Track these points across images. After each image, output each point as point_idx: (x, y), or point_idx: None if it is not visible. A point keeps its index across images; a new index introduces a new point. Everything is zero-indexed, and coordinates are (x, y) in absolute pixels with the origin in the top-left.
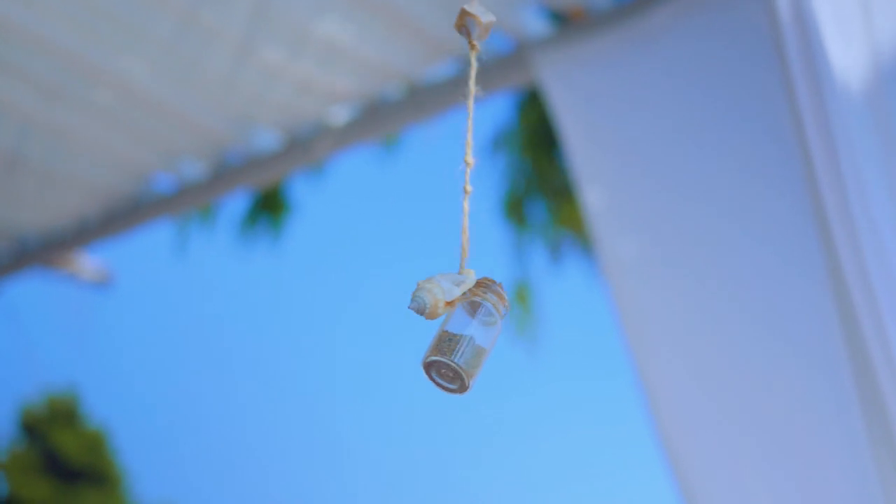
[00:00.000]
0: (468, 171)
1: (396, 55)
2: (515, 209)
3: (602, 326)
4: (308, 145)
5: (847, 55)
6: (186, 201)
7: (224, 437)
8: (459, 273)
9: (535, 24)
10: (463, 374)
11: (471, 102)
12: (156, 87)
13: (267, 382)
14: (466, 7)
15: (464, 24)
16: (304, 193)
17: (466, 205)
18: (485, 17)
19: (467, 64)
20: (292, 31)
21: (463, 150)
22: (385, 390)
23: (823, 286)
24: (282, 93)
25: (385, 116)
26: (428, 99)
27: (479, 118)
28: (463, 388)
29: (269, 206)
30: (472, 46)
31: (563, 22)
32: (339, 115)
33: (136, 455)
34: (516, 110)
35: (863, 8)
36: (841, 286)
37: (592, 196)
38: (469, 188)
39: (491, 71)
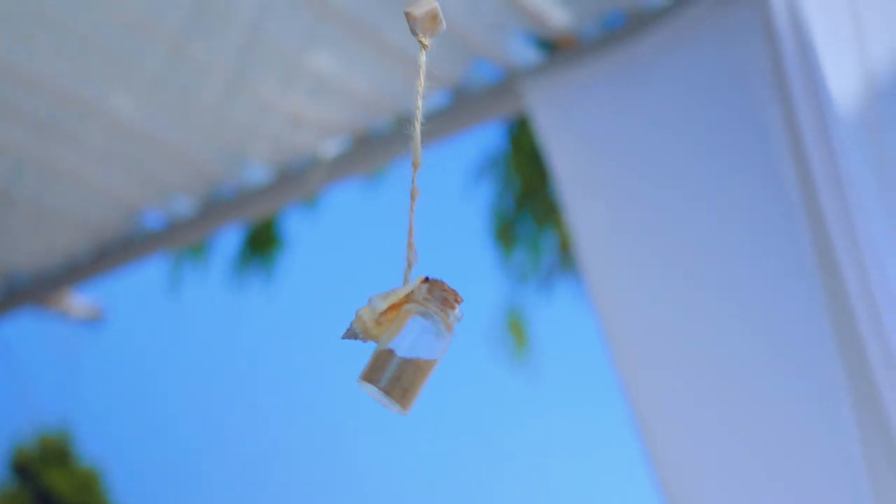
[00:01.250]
0: (415, 173)
1: (387, 87)
2: (506, 233)
3: (595, 348)
4: (300, 179)
5: (842, 73)
6: (178, 237)
7: (218, 474)
8: (404, 285)
9: (524, 53)
10: (391, 398)
11: (419, 102)
12: (146, 122)
13: (261, 419)
14: (406, 9)
15: (411, 27)
16: (296, 228)
17: (412, 212)
18: (419, 8)
19: (458, 95)
20: (283, 64)
21: (448, 181)
22: (378, 422)
23: (817, 297)
24: (273, 126)
25: (376, 149)
26: (420, 131)
27: (470, 142)
28: (402, 410)
29: (262, 242)
30: (422, 44)
31: (553, 50)
32: (331, 148)
33: (128, 494)
34: (506, 134)
35: (856, 29)
36: (837, 296)
37: (580, 222)
38: (417, 191)
39: (481, 100)
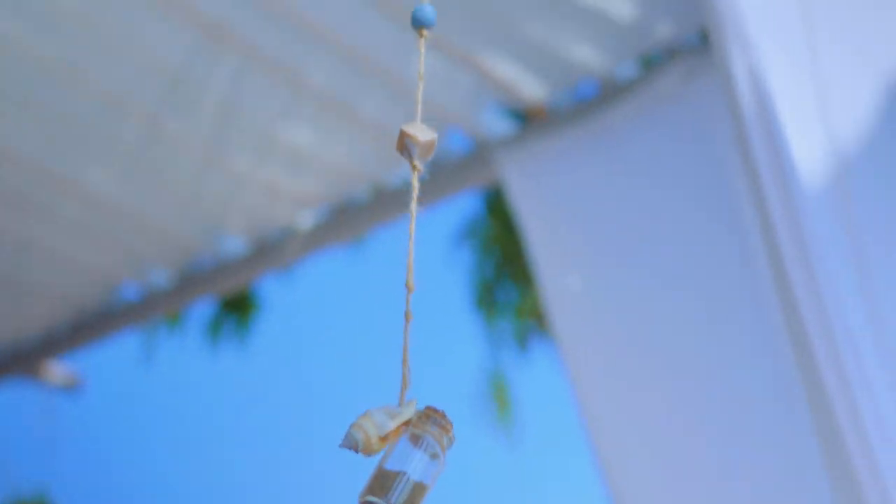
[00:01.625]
0: (409, 296)
1: (362, 158)
2: (486, 298)
3: (573, 415)
4: (276, 250)
5: (808, 146)
6: (154, 309)
7: None
8: (400, 404)
9: (497, 124)
10: None
11: (412, 226)
12: (122, 195)
13: (238, 484)
14: (405, 127)
15: (404, 145)
16: (272, 292)
17: (407, 332)
18: (424, 136)
19: (432, 166)
20: (258, 138)
21: (428, 248)
22: (354, 487)
23: (787, 369)
24: (249, 198)
25: (353, 219)
26: (395, 200)
27: (449, 209)
28: None
29: (237, 306)
30: (414, 167)
31: (525, 121)
32: (307, 219)
33: None
34: (485, 201)
35: (822, 100)
36: (807, 368)
37: (553, 290)
38: (410, 315)
39: (454, 171)
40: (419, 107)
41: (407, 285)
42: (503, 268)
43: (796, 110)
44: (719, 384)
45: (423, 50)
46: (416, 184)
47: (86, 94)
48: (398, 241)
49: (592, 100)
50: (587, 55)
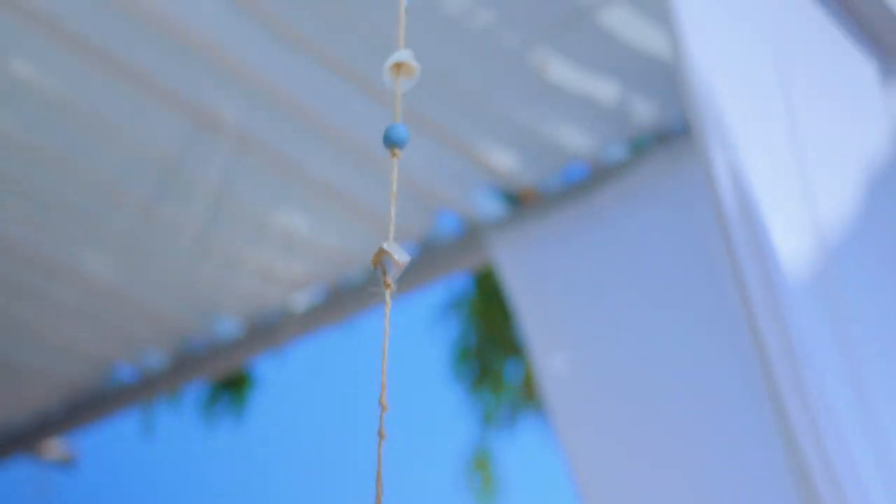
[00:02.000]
0: (382, 414)
1: (354, 241)
2: (471, 370)
3: (561, 485)
4: (270, 332)
5: (791, 236)
6: (149, 390)
7: None
8: None
9: (487, 206)
10: None
11: (386, 343)
12: (116, 279)
13: None
14: (385, 246)
15: (380, 261)
16: (267, 369)
17: (381, 451)
18: (401, 257)
19: (424, 247)
20: (251, 221)
21: (413, 318)
22: None
23: (776, 453)
24: (243, 281)
25: (346, 301)
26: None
27: (435, 285)
28: None
29: (233, 383)
30: (387, 285)
31: (516, 203)
32: (301, 301)
33: None
34: (470, 274)
35: (805, 190)
36: (796, 456)
37: (546, 369)
38: (384, 434)
39: (446, 252)
40: (392, 225)
41: (380, 403)
42: (487, 341)
43: (778, 202)
44: (715, 459)
45: (395, 171)
46: (388, 302)
47: (80, 182)
48: (392, 319)
49: (582, 182)
50: (576, 139)
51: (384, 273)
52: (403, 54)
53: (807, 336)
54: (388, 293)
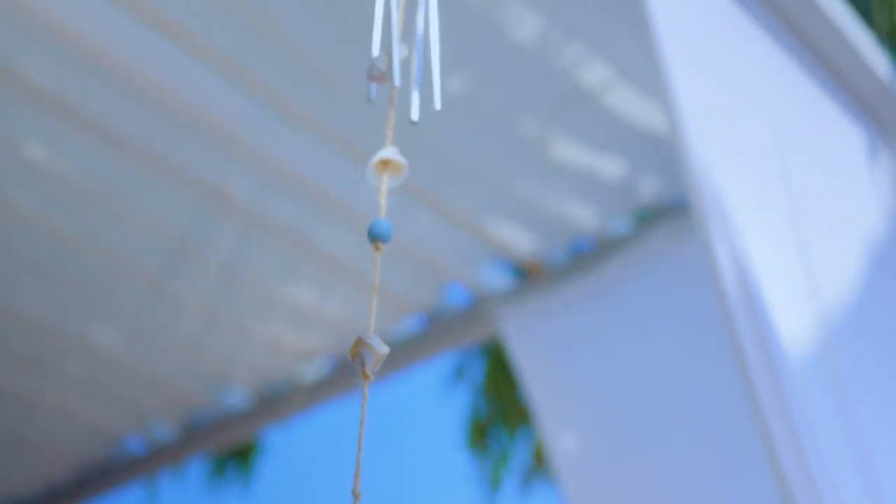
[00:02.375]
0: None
1: (361, 313)
2: (480, 438)
3: None
4: (279, 403)
5: (793, 318)
6: (158, 462)
7: None
8: None
9: (495, 279)
10: None
11: (361, 431)
12: (126, 354)
13: None
14: (363, 337)
15: (359, 352)
16: (274, 437)
17: None
18: (380, 348)
19: (432, 320)
20: (260, 295)
21: (422, 386)
22: None
23: None
24: (251, 353)
25: (354, 373)
26: (394, 354)
27: (442, 357)
28: None
29: (240, 451)
30: (365, 376)
31: (522, 276)
32: (310, 372)
33: None
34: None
35: (807, 271)
36: None
37: (555, 440)
38: None
39: (454, 325)
40: (373, 316)
41: (353, 493)
42: (496, 409)
43: (779, 279)
44: None
45: (378, 262)
46: (366, 393)
47: (91, 258)
48: (400, 387)
49: (587, 255)
50: (581, 213)
51: (363, 364)
52: (389, 151)
53: (808, 412)
54: (366, 384)
